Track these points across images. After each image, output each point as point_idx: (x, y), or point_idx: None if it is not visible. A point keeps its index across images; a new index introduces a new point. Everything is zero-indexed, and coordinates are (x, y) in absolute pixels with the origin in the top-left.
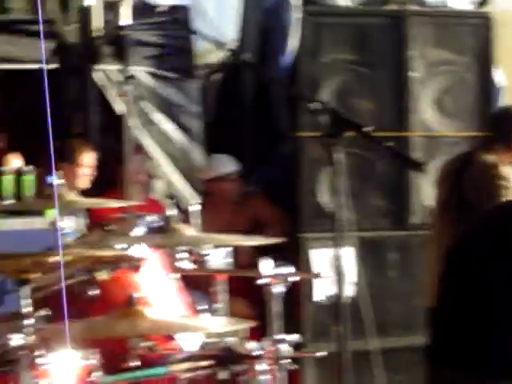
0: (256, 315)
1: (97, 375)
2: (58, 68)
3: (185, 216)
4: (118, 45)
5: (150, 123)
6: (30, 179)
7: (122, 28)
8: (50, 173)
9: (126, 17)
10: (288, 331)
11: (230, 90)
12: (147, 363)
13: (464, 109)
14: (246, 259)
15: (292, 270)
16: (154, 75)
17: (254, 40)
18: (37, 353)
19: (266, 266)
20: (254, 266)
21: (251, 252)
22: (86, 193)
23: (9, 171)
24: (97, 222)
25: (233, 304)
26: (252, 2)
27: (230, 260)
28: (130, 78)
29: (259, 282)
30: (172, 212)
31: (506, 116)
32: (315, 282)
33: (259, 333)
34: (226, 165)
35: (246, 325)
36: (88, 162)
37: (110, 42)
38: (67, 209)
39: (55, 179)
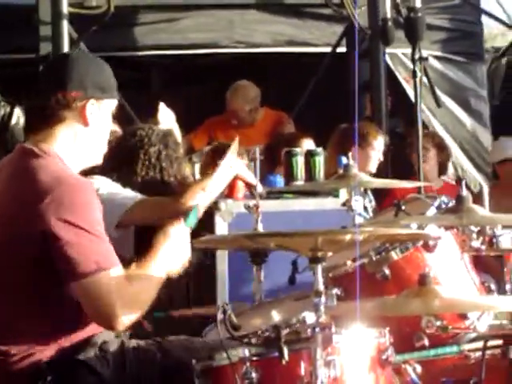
0: None
1: (388, 354)
2: (347, 51)
3: (473, 198)
4: (409, 27)
5: (439, 107)
6: (319, 160)
7: (413, 10)
8: (341, 154)
9: (415, 0)
10: None
11: None
12: (439, 342)
13: None
14: None
15: None
16: (441, 59)
17: None
18: (329, 331)
19: None
20: None
21: None
22: (376, 176)
23: (300, 153)
24: (391, 202)
25: None
26: None
27: None
28: (421, 60)
29: None
30: (464, 192)
31: None
32: None
33: None
34: None
35: None
36: (378, 145)
37: (400, 25)
38: (358, 190)
39: (348, 160)
